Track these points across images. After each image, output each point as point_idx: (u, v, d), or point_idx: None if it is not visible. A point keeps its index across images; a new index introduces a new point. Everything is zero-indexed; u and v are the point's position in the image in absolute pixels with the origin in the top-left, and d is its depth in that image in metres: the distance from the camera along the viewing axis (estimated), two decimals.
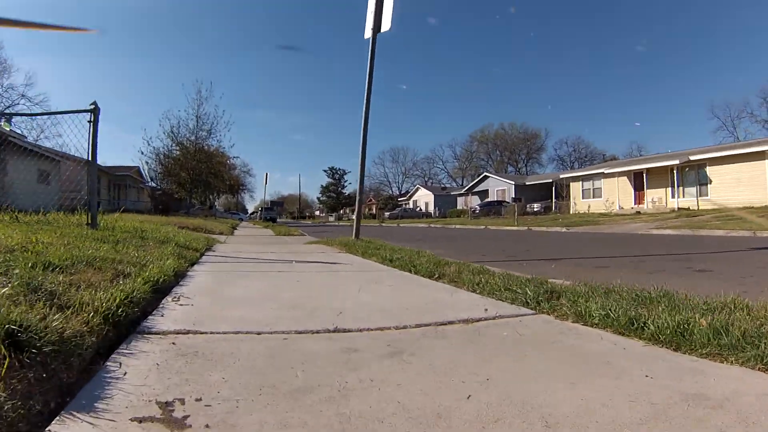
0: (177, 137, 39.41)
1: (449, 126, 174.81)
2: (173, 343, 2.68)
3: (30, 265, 3.61)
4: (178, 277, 5.09)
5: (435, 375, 2.28)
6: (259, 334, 2.97)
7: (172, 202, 41.14)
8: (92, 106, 8.21)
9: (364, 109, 11.82)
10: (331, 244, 11.66)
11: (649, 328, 2.96)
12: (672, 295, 3.81)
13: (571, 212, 46.70)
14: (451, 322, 3.38)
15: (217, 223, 22.99)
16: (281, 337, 2.90)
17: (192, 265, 6.46)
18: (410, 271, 6.27)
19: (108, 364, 2.31)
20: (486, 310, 3.78)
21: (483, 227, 34.27)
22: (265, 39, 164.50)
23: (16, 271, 3.26)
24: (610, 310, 3.33)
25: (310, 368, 2.33)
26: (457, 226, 37.63)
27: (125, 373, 2.18)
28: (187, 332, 2.93)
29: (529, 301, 4.01)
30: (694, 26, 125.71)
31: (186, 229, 15.82)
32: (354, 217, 12.76)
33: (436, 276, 5.71)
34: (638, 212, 37.21)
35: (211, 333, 2.96)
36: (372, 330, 3.14)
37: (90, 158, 8.61)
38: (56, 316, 2.43)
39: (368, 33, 11.87)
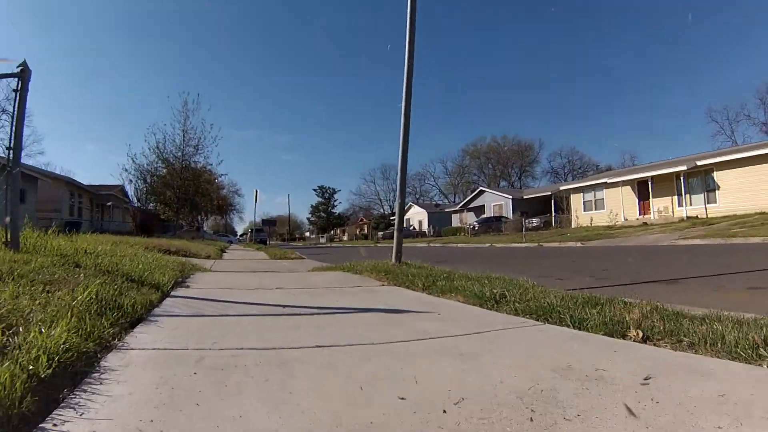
0: (163, 153, 37.28)
1: (440, 141, 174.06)
2: None
3: None
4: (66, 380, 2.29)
5: None
6: None
7: (158, 223, 38.91)
8: (19, 68, 5.82)
9: (405, 84, 9.38)
10: (358, 270, 8.70)
11: None
12: None
13: (572, 226, 45.08)
14: None
15: (203, 246, 20.86)
16: None
17: (134, 324, 3.71)
18: (573, 326, 3.78)
19: None
20: None
21: (488, 245, 32.47)
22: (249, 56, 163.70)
23: None
24: None
25: None
26: (460, 245, 35.82)
27: None
28: None
29: None
30: (687, 31, 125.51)
31: (166, 252, 13.84)
32: (393, 235, 10.04)
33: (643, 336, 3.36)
34: (645, 223, 35.60)
35: None
36: None
37: (12, 147, 6.09)
38: None
39: None
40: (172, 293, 5.60)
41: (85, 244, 8.14)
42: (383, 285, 7.07)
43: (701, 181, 35.30)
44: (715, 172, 34.38)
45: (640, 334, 3.34)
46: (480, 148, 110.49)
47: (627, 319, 3.62)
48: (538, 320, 4.08)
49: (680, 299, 4.65)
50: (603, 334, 3.48)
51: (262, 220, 42.81)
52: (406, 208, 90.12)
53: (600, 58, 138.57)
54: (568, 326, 3.79)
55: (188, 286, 6.51)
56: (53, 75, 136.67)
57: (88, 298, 3.67)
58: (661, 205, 37.83)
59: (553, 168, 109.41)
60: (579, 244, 25.57)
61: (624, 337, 3.39)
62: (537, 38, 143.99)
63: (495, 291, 5.11)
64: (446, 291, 5.84)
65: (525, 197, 58.82)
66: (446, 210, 78.92)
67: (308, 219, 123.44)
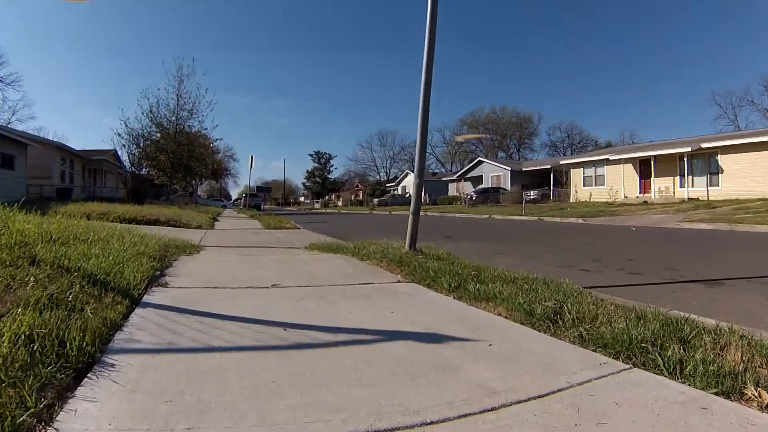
0: (156, 117, 36.21)
1: (439, 109, 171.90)
2: None
3: None
4: None
5: None
6: None
7: (151, 188, 38.16)
8: None
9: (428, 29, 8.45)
10: (364, 255, 7.62)
11: None
12: None
13: (571, 200, 44.71)
14: None
15: (196, 213, 20.20)
16: None
17: (80, 375, 2.61)
18: (667, 371, 2.95)
19: None
20: None
21: (486, 216, 32.00)
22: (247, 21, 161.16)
23: None
24: None
25: None
26: (457, 215, 35.39)
27: None
28: None
29: None
30: (693, 11, 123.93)
31: (155, 223, 13.23)
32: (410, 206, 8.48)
33: None
34: (645, 202, 35.28)
35: None
36: None
37: None
38: None
39: None
40: (145, 298, 4.49)
41: (56, 225, 7.01)
42: (399, 281, 5.97)
43: (704, 163, 34.97)
44: (719, 156, 33.99)
45: (765, 397, 2.54)
46: (479, 118, 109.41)
47: (733, 364, 2.91)
48: (618, 357, 3.19)
49: (748, 314, 4.05)
50: (715, 393, 2.62)
51: (257, 187, 41.80)
52: (401, 175, 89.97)
53: (606, 35, 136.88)
54: (662, 372, 2.93)
55: (166, 284, 5.26)
56: (47, 38, 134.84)
57: (14, 338, 2.65)
58: (663, 185, 37.40)
59: (552, 141, 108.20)
60: (581, 221, 25.08)
61: (742, 396, 2.59)
62: (543, 10, 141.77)
63: (547, 305, 4.23)
64: (481, 298, 4.80)
65: (524, 169, 58.16)
66: (443, 179, 78.08)
67: (303, 184, 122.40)
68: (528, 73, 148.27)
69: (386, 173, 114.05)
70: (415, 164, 8.46)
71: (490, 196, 50.27)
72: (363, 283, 5.78)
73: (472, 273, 5.92)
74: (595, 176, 44.23)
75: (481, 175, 63.37)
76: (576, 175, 46.31)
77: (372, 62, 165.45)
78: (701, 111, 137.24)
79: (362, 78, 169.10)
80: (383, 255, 7.38)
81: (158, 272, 5.84)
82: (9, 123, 70.66)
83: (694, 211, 25.74)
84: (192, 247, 8.36)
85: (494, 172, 61.04)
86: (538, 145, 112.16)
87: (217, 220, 19.17)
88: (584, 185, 45.08)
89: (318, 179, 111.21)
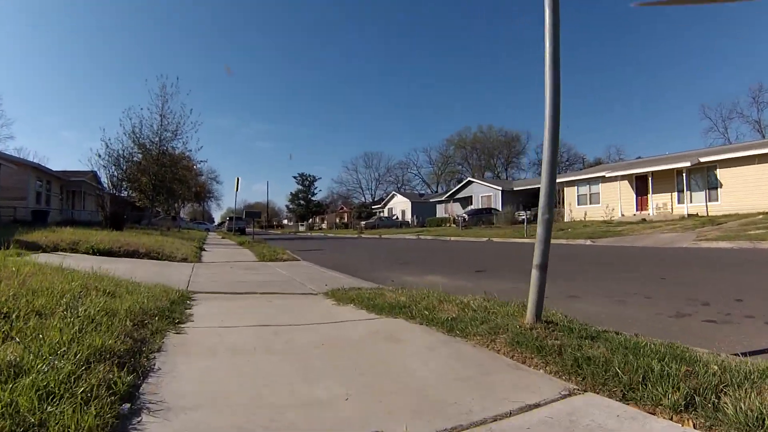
0: (139, 138, 34.73)
1: (425, 130, 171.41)
2: None
3: None
4: None
5: None
6: None
7: (132, 211, 36.41)
8: None
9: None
10: (462, 331, 4.64)
11: None
12: None
13: (565, 219, 43.49)
14: None
15: (179, 242, 18.40)
16: None
17: None
18: None
19: None
20: None
21: (485, 239, 30.69)
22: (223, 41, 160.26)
23: None
24: None
25: None
26: (453, 238, 33.96)
27: None
28: None
29: None
30: (681, 25, 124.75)
31: (134, 255, 11.65)
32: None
33: None
34: (643, 219, 34.00)
35: None
36: None
37: None
38: None
39: None
40: None
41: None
42: (570, 393, 3.13)
43: (703, 178, 34.08)
44: (718, 170, 33.21)
45: None
46: (466, 138, 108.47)
47: None
48: None
49: None
50: None
51: (247, 212, 40.13)
52: (387, 197, 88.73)
53: (588, 49, 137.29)
54: None
55: (143, 407, 2.71)
56: (30, 59, 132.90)
57: None
58: (660, 201, 36.35)
59: (540, 160, 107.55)
60: (589, 242, 23.83)
61: None
62: (524, 29, 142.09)
63: None
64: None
65: (515, 189, 57.02)
66: (431, 200, 76.74)
67: (287, 207, 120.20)
68: (515, 92, 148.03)
69: (371, 195, 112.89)
70: (543, 174, 4.72)
71: (482, 217, 48.68)
72: (518, 411, 2.86)
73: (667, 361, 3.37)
74: (590, 194, 43.05)
75: (471, 196, 62.13)
76: (570, 194, 45.15)
77: (354, 85, 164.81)
78: (690, 124, 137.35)
79: (345, 100, 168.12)
80: (493, 330, 4.46)
81: (124, 405, 2.65)
82: None
83: (701, 228, 24.64)
84: (179, 303, 5.74)
85: (484, 193, 59.82)
86: (527, 163, 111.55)
87: (204, 250, 17.16)
88: (579, 204, 43.86)
89: (302, 201, 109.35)
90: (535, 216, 23.62)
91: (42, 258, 9.10)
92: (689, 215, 32.45)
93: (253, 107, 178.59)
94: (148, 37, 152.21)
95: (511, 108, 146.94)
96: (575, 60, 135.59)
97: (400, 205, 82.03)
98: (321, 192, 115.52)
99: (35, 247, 10.95)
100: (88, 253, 11.24)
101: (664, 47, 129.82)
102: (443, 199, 70.75)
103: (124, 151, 33.69)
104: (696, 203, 33.98)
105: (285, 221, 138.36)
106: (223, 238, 36.91)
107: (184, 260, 12.12)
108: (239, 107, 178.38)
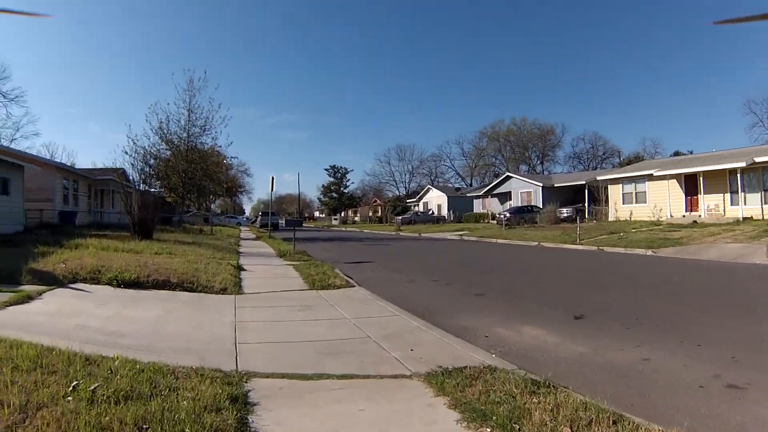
0: (166, 134, 33.97)
1: (458, 122, 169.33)
2: None
3: None
4: None
5: None
6: None
7: (163, 206, 35.15)
8: None
9: None
10: None
11: None
12: None
13: (609, 219, 41.30)
14: None
15: (212, 252, 17.13)
16: None
17: None
18: None
19: None
20: None
21: (535, 244, 28.96)
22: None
23: None
24: None
25: None
26: (499, 241, 32.17)
27: None
28: None
29: None
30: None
31: (164, 286, 10.11)
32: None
33: None
34: (694, 221, 31.92)
35: None
36: None
37: None
38: None
39: None
40: None
41: None
42: None
43: (758, 178, 31.76)
44: None
45: None
46: (499, 130, 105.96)
47: None
48: None
49: None
50: None
51: (287, 220, 38.87)
52: (422, 191, 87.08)
53: (631, 42, 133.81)
54: None
55: None
56: (55, 54, 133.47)
57: None
58: (712, 203, 34.00)
59: (576, 153, 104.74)
60: (650, 252, 21.78)
61: None
62: (563, 20, 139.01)
63: None
64: None
65: (556, 185, 54.80)
66: (467, 195, 74.88)
67: (319, 199, 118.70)
68: (548, 83, 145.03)
69: (405, 187, 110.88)
70: None
71: (524, 215, 46.66)
72: None
73: None
74: (636, 193, 40.62)
75: (510, 192, 60.08)
76: (614, 192, 42.72)
77: (384, 75, 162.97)
78: (733, 119, 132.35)
79: (376, 91, 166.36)
80: None
81: None
82: (13, 140, 68.95)
83: (766, 238, 22.38)
84: (234, 411, 3.93)
85: (524, 189, 57.75)
86: (562, 157, 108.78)
87: (243, 268, 14.76)
88: (623, 202, 41.49)
89: (334, 194, 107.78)
90: (579, 213, 21.61)
91: (52, 302, 7.78)
92: (744, 219, 30.40)
93: (279, 97, 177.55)
94: (169, 25, 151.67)
95: (545, 101, 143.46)
96: (612, 49, 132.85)
97: (435, 199, 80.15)
98: (353, 184, 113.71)
99: (50, 280, 9.58)
100: (111, 285, 9.73)
101: (708, 40, 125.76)
102: (481, 194, 68.91)
103: (152, 147, 32.79)
104: (750, 205, 31.70)
105: (316, 213, 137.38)
106: (257, 238, 35.65)
107: (223, 291, 10.40)
108: (266, 98, 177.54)
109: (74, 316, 7.15)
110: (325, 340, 6.86)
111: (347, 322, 8.07)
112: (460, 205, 71.40)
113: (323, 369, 5.40)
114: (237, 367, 5.39)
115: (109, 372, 4.44)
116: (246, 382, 4.81)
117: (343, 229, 73.44)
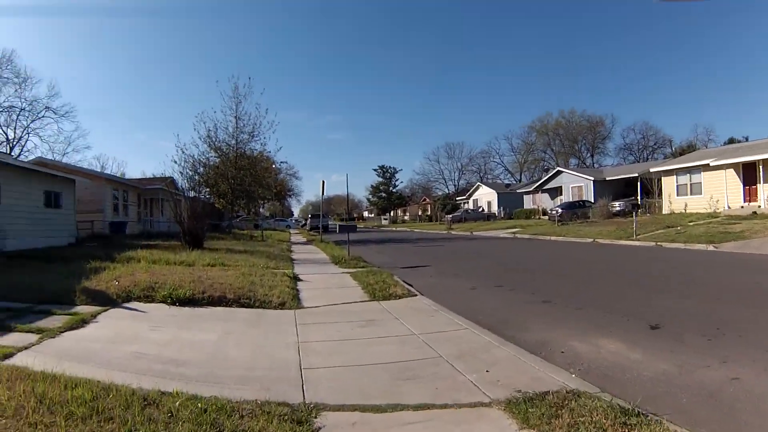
0: (215, 142, 34.58)
1: (505, 117, 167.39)
2: None
3: None
4: None
5: None
6: None
7: (212, 212, 35.68)
8: None
9: None
10: None
11: None
12: None
13: (664, 212, 39.94)
14: None
15: (265, 260, 17.10)
16: None
17: None
18: None
19: None
20: None
21: (590, 240, 28.42)
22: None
23: None
24: None
25: None
26: (553, 239, 31.69)
27: None
28: None
29: None
30: None
31: (219, 303, 9.92)
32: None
33: None
34: (754, 213, 30.41)
35: None
36: None
37: None
38: None
39: None
40: None
41: None
42: None
43: None
44: None
45: None
46: (547, 124, 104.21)
47: None
48: None
49: None
50: None
51: (340, 226, 38.95)
52: (472, 188, 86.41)
53: (677, 26, 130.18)
54: None
55: None
56: (98, 67, 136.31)
57: None
58: None
59: (627, 144, 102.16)
60: (711, 248, 21.02)
61: None
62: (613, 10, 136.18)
63: None
64: None
65: (607, 178, 53.47)
66: (518, 191, 73.60)
67: (368, 199, 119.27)
68: (595, 75, 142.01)
69: (455, 185, 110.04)
70: None
71: (576, 211, 45.68)
72: None
73: None
74: (690, 184, 39.09)
75: (560, 186, 59.03)
76: (668, 184, 41.32)
77: (433, 74, 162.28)
78: None
79: (421, 90, 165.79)
80: None
81: None
82: (65, 154, 71.79)
83: None
84: None
85: (575, 183, 56.58)
86: (613, 148, 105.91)
87: (299, 279, 14.29)
88: (678, 194, 40.02)
89: (383, 194, 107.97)
90: (633, 205, 20.78)
91: (106, 326, 7.83)
92: None
93: (325, 98, 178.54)
94: (211, 31, 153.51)
95: (592, 92, 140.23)
96: (661, 35, 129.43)
97: (485, 196, 79.29)
98: (402, 183, 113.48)
99: (104, 299, 9.63)
100: (165, 302, 9.75)
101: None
102: (531, 189, 67.82)
103: (200, 155, 33.48)
104: None
105: (365, 213, 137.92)
106: (308, 242, 35.85)
107: (282, 305, 10.11)
108: (311, 100, 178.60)
109: (130, 342, 7.05)
110: (395, 361, 6.47)
111: (416, 339, 7.67)
112: (510, 202, 70.56)
113: (396, 397, 5.09)
114: (304, 398, 5.11)
115: (169, 416, 4.24)
116: (315, 418, 4.56)
117: (394, 228, 73.36)
